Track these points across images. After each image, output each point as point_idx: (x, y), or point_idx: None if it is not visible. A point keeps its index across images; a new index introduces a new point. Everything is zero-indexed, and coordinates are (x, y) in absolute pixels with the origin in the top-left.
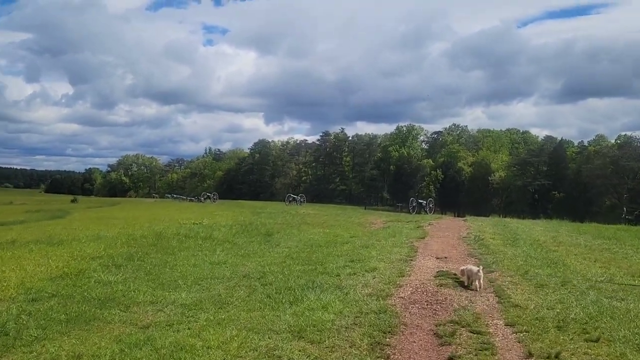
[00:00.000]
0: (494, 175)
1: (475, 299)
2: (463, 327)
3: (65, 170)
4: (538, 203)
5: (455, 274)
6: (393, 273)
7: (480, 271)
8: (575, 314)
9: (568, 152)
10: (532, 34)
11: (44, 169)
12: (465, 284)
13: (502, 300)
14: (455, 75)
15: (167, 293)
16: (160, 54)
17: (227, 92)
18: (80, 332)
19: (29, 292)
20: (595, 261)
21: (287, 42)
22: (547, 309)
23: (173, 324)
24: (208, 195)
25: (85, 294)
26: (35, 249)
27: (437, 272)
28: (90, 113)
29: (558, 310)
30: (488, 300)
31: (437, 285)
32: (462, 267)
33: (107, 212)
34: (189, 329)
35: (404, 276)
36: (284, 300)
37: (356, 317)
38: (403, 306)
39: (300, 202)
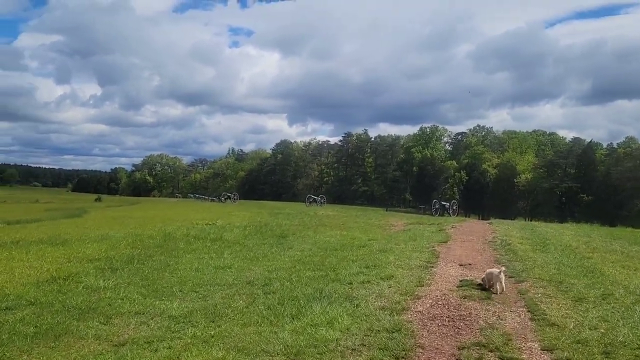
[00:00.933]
0: (520, 177)
1: (505, 315)
2: (491, 351)
3: (92, 170)
4: (565, 206)
5: (480, 284)
6: (411, 282)
7: (502, 274)
8: (623, 336)
9: (597, 154)
10: (560, 35)
11: (71, 169)
12: (486, 287)
13: (535, 317)
14: (480, 77)
15: (158, 302)
16: (186, 56)
17: (251, 93)
18: (44, 350)
19: (5, 300)
20: (635, 270)
21: (311, 44)
22: (590, 328)
23: (153, 341)
24: (228, 196)
25: (67, 302)
26: (34, 249)
27: (461, 280)
28: (117, 114)
29: (603, 331)
30: (519, 316)
31: (461, 297)
32: (483, 275)
33: (125, 211)
34: (169, 347)
35: (423, 285)
36: (285, 313)
37: (365, 335)
38: (420, 323)
39: (321, 203)
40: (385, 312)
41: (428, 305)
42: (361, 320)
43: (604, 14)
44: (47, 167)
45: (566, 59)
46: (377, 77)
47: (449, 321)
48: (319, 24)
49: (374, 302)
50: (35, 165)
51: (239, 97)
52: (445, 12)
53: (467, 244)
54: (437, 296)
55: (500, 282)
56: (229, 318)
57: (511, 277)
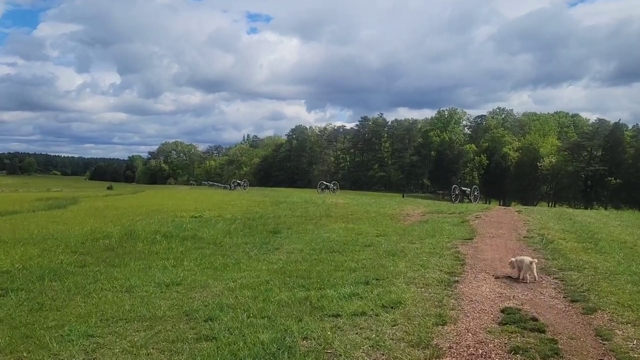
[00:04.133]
0: (543, 161)
1: None
2: None
3: (110, 158)
4: (591, 190)
5: (535, 317)
6: (427, 315)
7: (533, 264)
8: None
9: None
10: (583, 15)
11: (90, 157)
12: (516, 277)
13: None
14: (501, 59)
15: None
16: (205, 43)
17: (270, 79)
18: None
19: None
20: None
21: (330, 29)
22: None
23: None
24: (238, 183)
25: None
26: None
27: (503, 311)
28: (136, 102)
29: None
30: None
31: (510, 352)
32: (512, 259)
33: (117, 201)
34: None
35: (445, 324)
36: None
37: None
38: None
39: (333, 189)
40: None
41: None
42: None
43: None
44: (66, 155)
45: (590, 40)
46: (396, 61)
47: None
48: (338, 9)
49: None
50: (54, 154)
51: (257, 84)
52: None
53: (498, 241)
54: (468, 350)
55: (532, 272)
56: None
57: (574, 300)
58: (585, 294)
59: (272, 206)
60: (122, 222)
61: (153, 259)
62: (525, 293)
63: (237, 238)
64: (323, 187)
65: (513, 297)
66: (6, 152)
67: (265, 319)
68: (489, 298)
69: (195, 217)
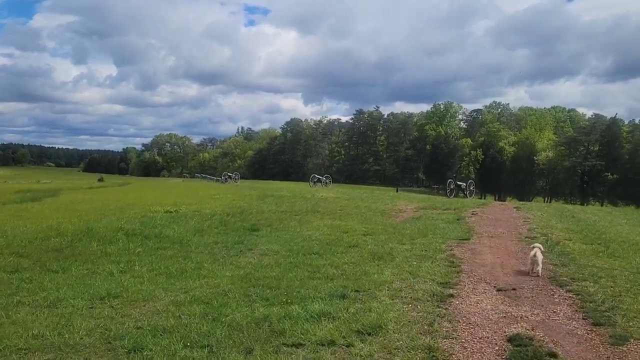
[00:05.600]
0: (540, 155)
1: None
2: None
3: (105, 150)
4: (588, 185)
5: (552, 352)
6: (413, 349)
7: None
8: None
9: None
10: (582, 10)
11: (85, 149)
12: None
13: None
14: (499, 54)
15: None
16: (202, 36)
17: (267, 72)
18: None
19: None
20: None
21: (328, 22)
22: None
23: None
24: (229, 175)
25: None
26: None
27: (510, 339)
28: (133, 94)
29: None
30: None
31: None
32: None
33: (98, 194)
34: None
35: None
36: None
37: None
38: None
39: (326, 183)
40: None
41: None
42: None
43: None
44: (61, 147)
45: (588, 35)
46: (394, 55)
47: None
48: (336, 2)
49: None
50: (49, 146)
51: (254, 77)
52: None
53: (498, 242)
54: None
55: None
56: None
57: (597, 324)
58: (609, 313)
59: (257, 200)
60: (89, 218)
61: (101, 263)
62: (536, 312)
63: (209, 236)
64: (315, 180)
65: (521, 317)
66: (0, 143)
67: (206, 349)
68: (492, 319)
69: (171, 212)
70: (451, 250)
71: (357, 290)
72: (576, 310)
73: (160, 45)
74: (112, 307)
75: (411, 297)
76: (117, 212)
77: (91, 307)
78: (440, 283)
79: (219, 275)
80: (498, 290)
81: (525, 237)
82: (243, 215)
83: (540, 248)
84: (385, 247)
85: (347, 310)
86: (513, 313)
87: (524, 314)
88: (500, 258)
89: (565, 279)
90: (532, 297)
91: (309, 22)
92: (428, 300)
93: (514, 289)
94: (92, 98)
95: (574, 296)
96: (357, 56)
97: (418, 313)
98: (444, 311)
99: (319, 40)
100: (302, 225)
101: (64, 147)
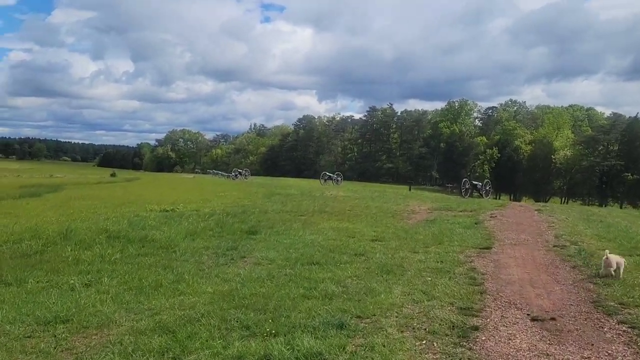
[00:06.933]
0: (558, 154)
1: None
2: None
3: (120, 145)
4: (607, 186)
5: None
6: None
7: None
8: None
9: None
10: (600, 8)
11: (101, 144)
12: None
13: None
14: (515, 52)
15: None
16: (218, 32)
17: (281, 69)
18: None
19: None
20: None
21: (344, 19)
22: None
23: None
24: (239, 172)
25: None
26: None
27: None
28: (149, 90)
29: None
30: None
31: None
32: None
33: (101, 189)
34: None
35: None
36: None
37: None
38: None
39: (337, 180)
40: None
41: None
42: None
43: None
44: (77, 142)
45: (607, 34)
46: (409, 53)
47: None
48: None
49: None
50: (66, 140)
51: (269, 73)
52: None
53: (523, 251)
54: None
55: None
56: None
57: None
58: None
59: (262, 198)
60: (78, 216)
61: (67, 273)
62: (586, 355)
63: (200, 240)
64: (326, 177)
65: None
66: (18, 137)
67: None
68: None
69: (167, 210)
70: (471, 262)
71: (359, 316)
72: (636, 353)
73: (176, 42)
74: (55, 336)
75: (426, 330)
76: (110, 211)
77: (29, 336)
78: (461, 308)
79: (198, 292)
80: (533, 319)
81: (554, 246)
82: (244, 216)
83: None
84: (395, 257)
85: (344, 349)
86: (557, 357)
87: (571, 358)
88: (529, 272)
89: (612, 303)
90: (577, 330)
91: (324, 19)
92: (447, 335)
93: (552, 319)
94: (108, 94)
95: (629, 330)
96: (372, 53)
97: (435, 355)
98: (468, 352)
99: (334, 38)
100: (306, 227)
101: (80, 142)
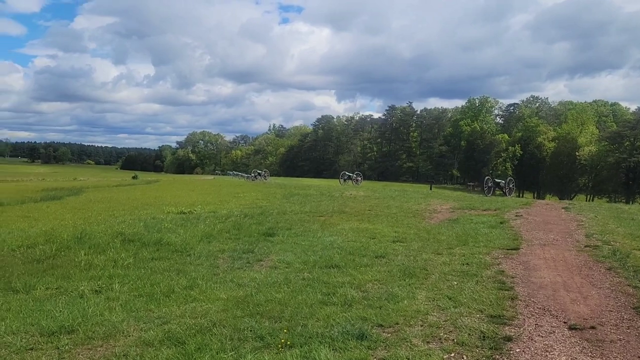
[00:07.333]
0: (582, 151)
1: None
2: None
3: (142, 148)
4: (634, 183)
5: None
6: None
7: None
8: None
9: None
10: (624, 1)
11: (123, 147)
12: None
13: None
14: (537, 48)
15: None
16: (237, 34)
17: (300, 70)
18: None
19: None
20: None
21: (362, 19)
22: None
23: None
24: (259, 173)
25: None
26: None
27: None
28: (169, 93)
29: None
30: None
31: None
32: None
33: (120, 192)
34: None
35: None
36: None
37: None
38: None
39: (356, 180)
40: None
41: None
42: None
43: None
44: (100, 145)
45: (631, 26)
46: (428, 50)
47: None
48: None
49: None
50: (89, 144)
51: (288, 74)
52: None
53: (553, 252)
54: None
55: None
56: None
57: None
58: None
59: (281, 199)
60: (95, 219)
61: (78, 279)
62: None
63: (216, 243)
64: (345, 177)
65: None
66: (43, 142)
67: None
68: None
69: (184, 212)
70: (499, 264)
71: (380, 325)
72: None
73: (196, 45)
74: (58, 348)
75: (454, 341)
76: (127, 213)
77: (30, 349)
78: (492, 316)
79: (211, 298)
80: (571, 328)
81: (585, 246)
82: (261, 217)
83: None
84: (418, 259)
85: None
86: None
87: None
88: (561, 275)
89: None
90: (621, 340)
91: (342, 19)
92: (477, 346)
93: (592, 327)
94: (130, 97)
95: None
96: (390, 52)
97: None
98: None
99: (352, 37)
100: (325, 228)
101: (103, 145)
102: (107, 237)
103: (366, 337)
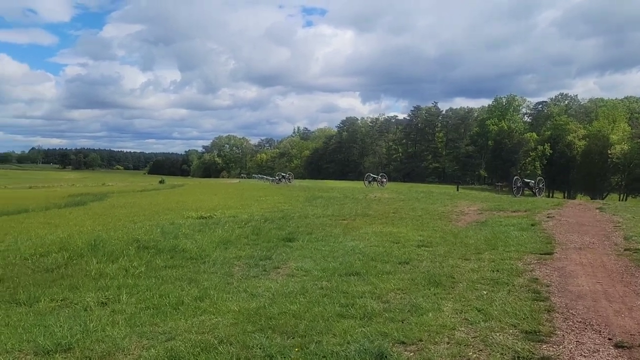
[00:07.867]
0: (614, 149)
1: None
2: None
3: (169, 153)
4: None
5: None
6: None
7: None
8: None
9: None
10: None
11: (151, 152)
12: None
13: None
14: (566, 44)
15: None
16: (261, 38)
17: (324, 72)
18: None
19: None
20: None
21: (385, 19)
22: None
23: None
24: (283, 176)
25: None
26: None
27: None
28: (195, 98)
29: None
30: None
31: None
32: None
33: (144, 197)
34: None
35: None
36: None
37: None
38: None
39: (381, 182)
40: None
41: None
42: None
43: None
44: (129, 151)
45: None
46: (453, 50)
47: None
48: None
49: None
50: (118, 150)
51: (312, 77)
52: None
53: (590, 257)
54: None
55: None
56: None
57: None
58: None
59: (303, 202)
60: (113, 225)
61: (85, 289)
62: None
63: (233, 249)
64: (370, 179)
65: None
66: (74, 148)
67: None
68: None
69: (204, 217)
70: (532, 270)
71: (402, 342)
72: None
73: (221, 50)
74: None
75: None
76: (148, 218)
77: None
78: (526, 332)
79: (222, 310)
80: (617, 346)
81: (625, 250)
82: (282, 222)
83: None
84: (444, 266)
85: None
86: None
87: None
88: (601, 283)
89: None
90: None
91: (366, 20)
92: None
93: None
94: (157, 103)
95: None
96: (415, 52)
97: None
98: None
99: (376, 38)
100: (347, 233)
101: (132, 150)
102: (122, 244)
103: (386, 356)
